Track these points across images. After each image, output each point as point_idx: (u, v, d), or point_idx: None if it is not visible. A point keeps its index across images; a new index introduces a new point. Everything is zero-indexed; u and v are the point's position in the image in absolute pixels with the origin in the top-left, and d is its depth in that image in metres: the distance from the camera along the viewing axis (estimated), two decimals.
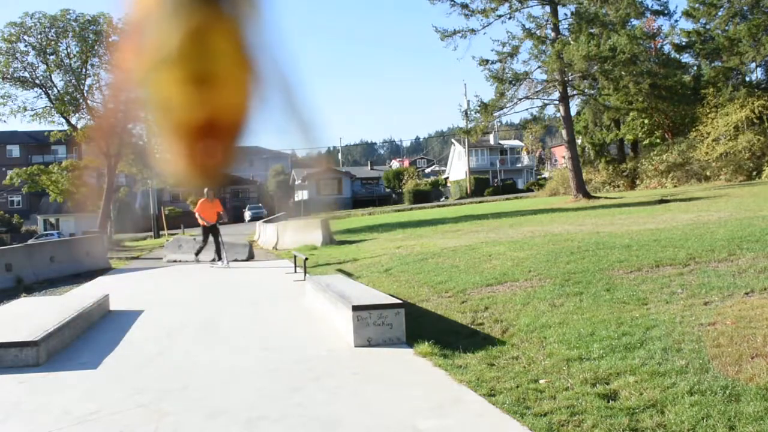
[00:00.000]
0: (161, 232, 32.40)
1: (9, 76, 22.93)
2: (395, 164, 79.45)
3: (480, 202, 39.46)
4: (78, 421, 3.93)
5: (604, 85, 24.48)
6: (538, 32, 24.35)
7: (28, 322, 6.19)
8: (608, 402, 3.69)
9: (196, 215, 13.38)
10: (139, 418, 3.94)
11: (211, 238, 13.55)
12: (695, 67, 34.30)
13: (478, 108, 24.84)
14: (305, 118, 0.86)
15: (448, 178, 65.29)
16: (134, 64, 0.77)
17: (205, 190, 12.93)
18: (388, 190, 62.18)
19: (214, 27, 0.75)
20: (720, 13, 32.31)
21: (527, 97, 24.93)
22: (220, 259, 13.49)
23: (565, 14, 24.58)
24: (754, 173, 28.24)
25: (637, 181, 34.24)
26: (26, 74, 23.18)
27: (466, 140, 52.13)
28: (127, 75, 0.81)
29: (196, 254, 13.80)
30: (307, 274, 9.97)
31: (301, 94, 0.85)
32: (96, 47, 23.19)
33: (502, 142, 65.47)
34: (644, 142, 37.12)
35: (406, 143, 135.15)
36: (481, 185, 53.46)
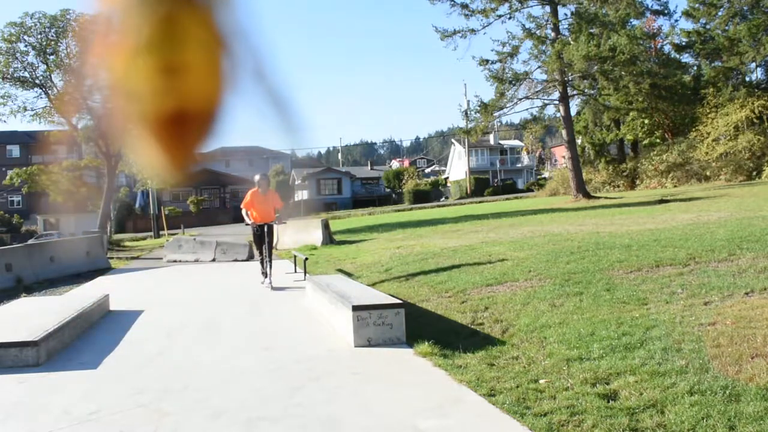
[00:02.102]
0: (161, 232, 32.39)
1: (9, 76, 22.90)
2: (395, 164, 79.44)
3: (480, 202, 39.46)
4: (78, 421, 3.92)
5: (604, 85, 24.50)
6: (538, 32, 24.37)
7: (28, 322, 6.19)
8: (608, 402, 3.69)
9: (243, 212, 9.83)
10: (139, 418, 3.94)
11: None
12: (695, 67, 34.33)
13: (478, 108, 24.86)
14: (285, 110, 0.85)
15: (448, 178, 65.29)
16: (107, 57, 0.77)
17: (257, 178, 9.74)
18: (388, 190, 62.16)
19: (186, 14, 0.75)
20: (720, 13, 32.32)
21: (527, 97, 24.96)
22: (264, 273, 9.75)
23: (565, 14, 24.64)
24: (754, 173, 28.24)
25: (637, 181, 34.24)
26: (26, 74, 23.15)
27: (466, 140, 52.13)
28: (101, 67, 0.80)
29: (263, 273, 9.82)
30: (307, 274, 9.96)
31: (281, 84, 0.84)
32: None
33: (502, 142, 65.47)
34: (644, 142, 37.14)
35: (406, 143, 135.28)
36: (481, 185, 53.45)
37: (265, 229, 9.59)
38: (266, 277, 9.64)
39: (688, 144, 31.30)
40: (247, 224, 9.91)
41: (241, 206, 9.93)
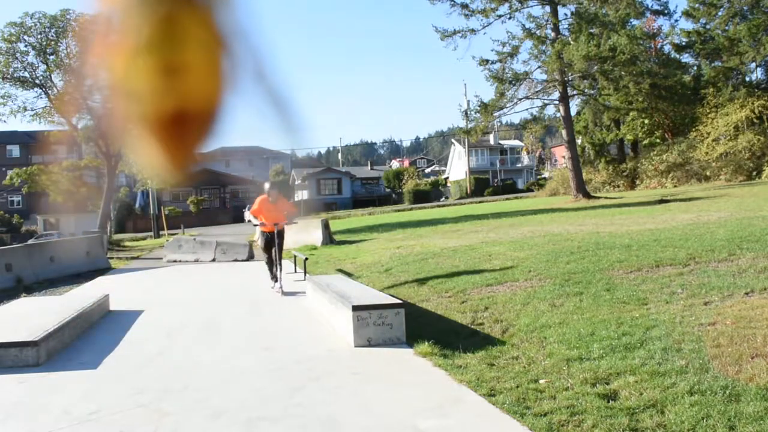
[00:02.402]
0: (161, 232, 32.39)
1: (9, 76, 22.89)
2: (395, 164, 79.39)
3: (480, 202, 39.45)
4: (78, 421, 3.92)
5: (604, 85, 24.49)
6: (538, 32, 24.36)
7: (28, 322, 6.19)
8: (608, 402, 3.69)
9: (250, 217, 9.57)
10: (139, 418, 3.94)
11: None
12: (695, 67, 34.32)
13: (478, 108, 24.86)
14: (285, 110, 0.85)
15: (448, 178, 65.26)
16: (107, 57, 0.77)
17: (266, 187, 9.46)
18: (388, 190, 62.13)
19: (186, 14, 0.75)
20: (720, 13, 32.31)
21: (527, 97, 24.95)
22: (274, 278, 9.42)
23: (565, 14, 24.63)
24: (754, 173, 28.24)
25: (637, 181, 34.24)
26: (26, 74, 23.14)
27: (466, 140, 52.12)
28: (101, 67, 0.80)
29: (272, 278, 9.51)
30: (307, 274, 9.97)
31: (281, 84, 0.85)
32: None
33: (502, 142, 65.44)
34: (644, 142, 37.13)
35: (406, 143, 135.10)
36: (481, 185, 53.43)
37: (276, 232, 9.22)
38: (276, 281, 9.26)
39: (688, 144, 31.30)
40: (255, 225, 9.60)
41: (249, 212, 9.51)
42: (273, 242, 9.24)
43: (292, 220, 9.90)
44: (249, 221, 9.59)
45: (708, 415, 3.31)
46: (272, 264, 9.37)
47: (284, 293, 9.01)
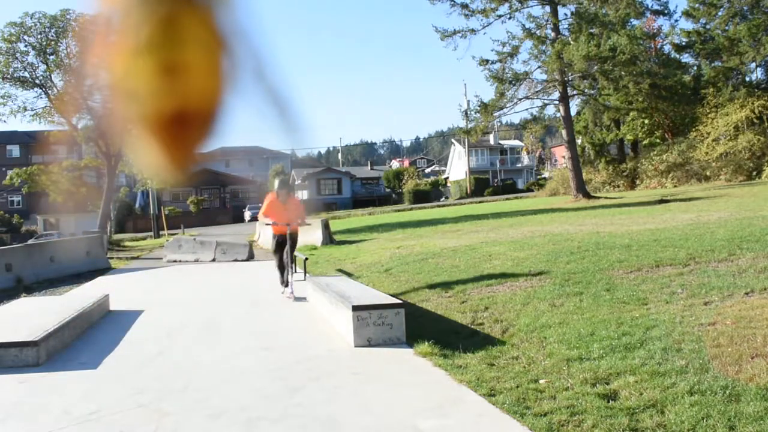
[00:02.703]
0: (161, 232, 32.38)
1: (9, 76, 22.88)
2: (395, 164, 79.41)
3: (480, 202, 39.45)
4: (78, 421, 3.92)
5: (604, 85, 24.49)
6: (538, 32, 24.36)
7: (28, 322, 6.19)
8: (608, 402, 3.69)
9: (262, 219, 8.98)
10: (139, 418, 3.94)
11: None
12: (695, 67, 34.31)
13: (478, 108, 24.85)
14: (285, 110, 0.85)
15: (448, 178, 65.28)
16: (107, 57, 0.77)
17: (276, 183, 8.95)
18: (388, 190, 62.14)
19: (186, 14, 0.75)
20: (720, 13, 32.31)
21: (527, 97, 24.95)
22: (285, 283, 8.71)
23: (565, 14, 24.63)
24: (754, 173, 28.23)
25: (637, 181, 34.24)
26: (26, 74, 23.13)
27: (466, 140, 52.12)
28: (101, 67, 0.80)
29: (282, 282, 8.80)
30: (307, 274, 9.97)
31: (281, 84, 0.85)
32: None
33: (502, 142, 65.45)
34: (644, 142, 37.13)
35: (406, 143, 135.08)
36: (481, 185, 53.44)
37: (288, 234, 8.54)
38: (287, 285, 8.59)
39: (688, 144, 31.29)
40: (267, 224, 9.04)
41: (259, 214, 9.01)
42: (284, 244, 8.56)
43: (304, 221, 9.16)
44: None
45: (708, 415, 3.31)
46: (283, 268, 8.68)
47: (296, 299, 8.37)
